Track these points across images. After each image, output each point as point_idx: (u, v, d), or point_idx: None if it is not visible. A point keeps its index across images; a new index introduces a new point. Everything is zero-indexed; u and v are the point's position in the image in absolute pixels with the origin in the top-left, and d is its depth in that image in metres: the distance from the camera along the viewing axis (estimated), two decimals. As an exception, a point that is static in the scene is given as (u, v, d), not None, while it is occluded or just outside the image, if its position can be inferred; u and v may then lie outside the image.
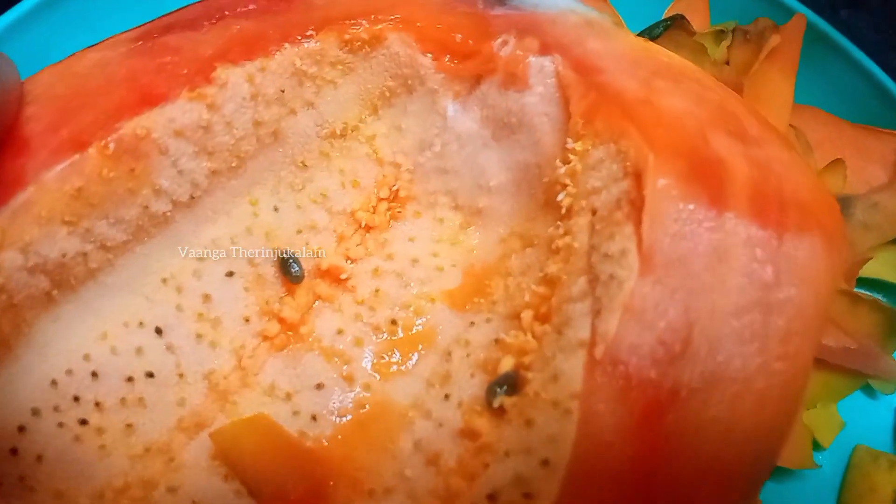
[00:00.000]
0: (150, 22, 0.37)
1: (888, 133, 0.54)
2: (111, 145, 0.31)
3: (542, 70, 0.36)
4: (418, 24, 0.36)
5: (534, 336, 0.33)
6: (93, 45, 0.36)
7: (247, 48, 0.35)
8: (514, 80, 0.36)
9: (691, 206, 0.30)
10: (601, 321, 0.29)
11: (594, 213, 0.33)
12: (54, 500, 0.31)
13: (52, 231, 0.31)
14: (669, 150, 0.31)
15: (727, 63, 0.54)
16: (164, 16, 0.37)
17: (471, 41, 0.36)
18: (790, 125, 0.51)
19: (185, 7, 0.38)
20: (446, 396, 0.35)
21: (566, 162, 0.35)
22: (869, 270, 0.50)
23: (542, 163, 0.37)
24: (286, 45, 0.35)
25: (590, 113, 0.34)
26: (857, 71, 0.56)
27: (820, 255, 0.30)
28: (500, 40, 0.36)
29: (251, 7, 0.36)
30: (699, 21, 0.57)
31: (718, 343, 0.28)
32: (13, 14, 0.52)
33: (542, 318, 0.33)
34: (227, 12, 0.36)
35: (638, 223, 0.30)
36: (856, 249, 0.49)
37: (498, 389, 0.32)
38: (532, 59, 0.36)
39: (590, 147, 0.34)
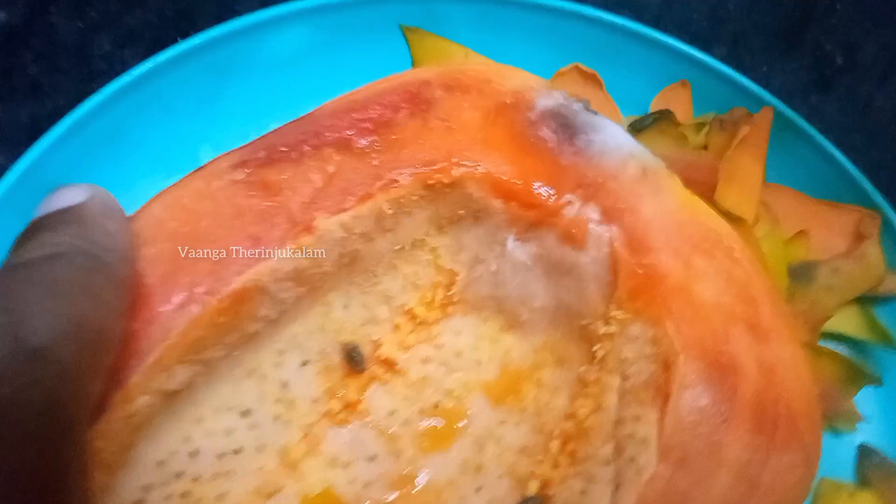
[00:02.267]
0: (249, 144, 0.40)
1: (847, 207, 0.62)
2: (227, 300, 0.36)
3: (599, 239, 0.41)
4: (494, 174, 0.40)
5: (559, 468, 0.41)
6: (197, 171, 0.39)
7: (342, 195, 0.38)
8: (573, 239, 0.41)
9: (708, 413, 0.37)
10: (619, 497, 0.38)
11: (624, 378, 0.40)
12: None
13: (172, 372, 0.36)
14: (696, 349, 0.38)
15: (705, 148, 0.60)
16: (262, 137, 0.40)
17: (539, 193, 0.40)
18: (761, 202, 0.59)
19: (283, 127, 0.41)
20: (478, 489, 0.43)
21: (607, 323, 0.41)
22: (831, 326, 0.59)
23: (584, 310, 0.42)
24: (377, 193, 0.38)
25: (634, 292, 0.40)
26: (820, 153, 0.63)
27: (797, 470, 0.39)
28: (566, 199, 0.41)
29: (346, 134, 0.39)
30: (683, 110, 0.63)
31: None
32: (94, 100, 0.53)
33: (569, 455, 0.41)
34: (323, 137, 0.39)
35: (662, 414, 0.37)
36: (819, 308, 0.58)
37: (525, 510, 0.41)
38: (591, 226, 0.40)
39: (629, 321, 0.40)
